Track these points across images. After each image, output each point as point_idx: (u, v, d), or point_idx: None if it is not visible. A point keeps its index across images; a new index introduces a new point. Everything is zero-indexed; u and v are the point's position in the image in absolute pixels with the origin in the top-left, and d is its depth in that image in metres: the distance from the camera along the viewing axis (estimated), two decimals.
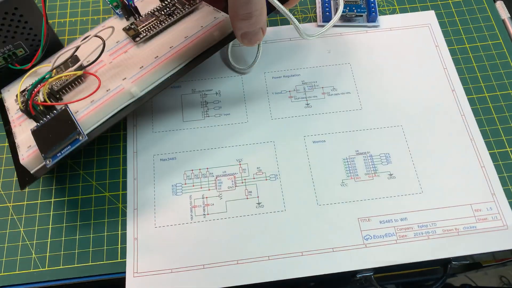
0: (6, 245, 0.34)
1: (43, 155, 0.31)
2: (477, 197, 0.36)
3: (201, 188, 0.36)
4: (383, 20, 0.44)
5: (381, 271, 0.35)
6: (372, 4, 0.43)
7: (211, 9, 0.37)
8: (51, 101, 0.33)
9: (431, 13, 0.44)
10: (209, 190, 0.36)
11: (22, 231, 0.35)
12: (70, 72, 0.34)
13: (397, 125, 0.39)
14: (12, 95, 0.37)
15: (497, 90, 0.40)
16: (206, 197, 0.36)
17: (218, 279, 0.33)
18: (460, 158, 0.37)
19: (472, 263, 0.44)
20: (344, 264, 0.34)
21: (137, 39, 0.36)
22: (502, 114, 0.39)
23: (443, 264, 0.38)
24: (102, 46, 0.34)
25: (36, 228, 0.35)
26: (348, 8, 0.42)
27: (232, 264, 0.34)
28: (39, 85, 0.33)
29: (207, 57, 0.35)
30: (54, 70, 0.34)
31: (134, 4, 0.38)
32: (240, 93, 0.40)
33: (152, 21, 0.37)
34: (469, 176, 0.37)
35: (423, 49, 0.42)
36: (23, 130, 0.34)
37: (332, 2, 0.43)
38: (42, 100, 0.33)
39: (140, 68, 0.34)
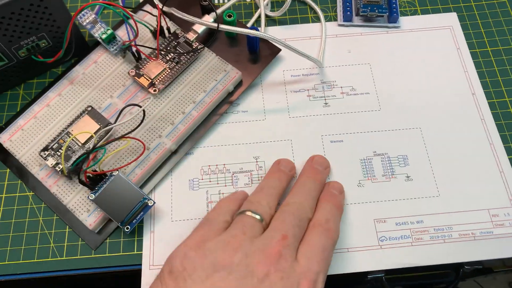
0: (25, 233, 0.35)
1: (120, 224, 0.33)
2: (495, 202, 0.36)
3: (217, 184, 0.37)
4: (404, 21, 0.43)
5: (392, 273, 0.35)
6: (394, 5, 0.42)
7: (215, 57, 0.39)
8: (101, 170, 0.34)
9: (453, 15, 0.44)
10: (225, 186, 0.37)
11: (41, 220, 0.35)
12: (122, 147, 0.35)
13: (415, 127, 0.39)
14: (19, 149, 0.36)
15: None
16: (223, 193, 0.36)
17: None
18: (479, 162, 0.37)
19: (484, 268, 0.44)
20: (358, 264, 0.34)
21: (154, 90, 0.37)
22: None
23: (455, 268, 0.37)
24: (142, 115, 0.34)
25: (54, 218, 0.35)
26: (369, 8, 0.42)
27: None
28: (90, 156, 0.34)
29: (224, 110, 0.39)
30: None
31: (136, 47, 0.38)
32: (259, 91, 0.40)
33: (164, 70, 0.38)
34: (487, 181, 0.36)
35: (444, 51, 0.42)
36: (65, 191, 0.35)
37: (353, 1, 0.43)
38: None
39: (172, 124, 0.37)
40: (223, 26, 0.36)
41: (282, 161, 0.36)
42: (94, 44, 0.41)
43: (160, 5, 0.39)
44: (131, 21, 0.37)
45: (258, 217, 0.30)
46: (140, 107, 0.34)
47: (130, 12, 0.37)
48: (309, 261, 0.28)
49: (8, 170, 0.37)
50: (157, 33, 0.36)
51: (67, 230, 0.35)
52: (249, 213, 0.30)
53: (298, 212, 0.31)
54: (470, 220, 0.35)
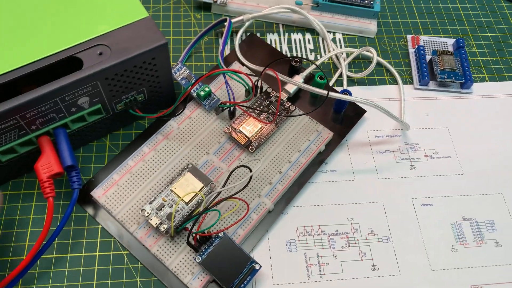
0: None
1: None
2: None
3: (315, 246, 0.37)
4: (475, 87, 0.45)
5: None
6: (467, 72, 0.44)
7: (305, 116, 0.40)
8: (209, 231, 0.33)
9: None
10: (323, 248, 0.36)
11: (138, 282, 0.34)
12: (234, 208, 0.36)
13: (497, 193, 0.40)
14: (115, 206, 0.35)
15: None
16: (321, 256, 0.36)
17: None
18: None
19: None
20: None
21: (251, 148, 0.38)
22: None
23: None
24: (249, 178, 0.34)
25: (152, 279, 0.34)
26: (446, 74, 0.44)
27: None
28: (201, 218, 0.33)
29: (315, 169, 0.39)
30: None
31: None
32: (345, 151, 0.41)
33: (260, 129, 0.38)
34: None
35: None
36: (166, 252, 0.34)
37: (429, 67, 0.45)
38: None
39: (270, 184, 0.37)
40: (333, 94, 0.36)
41: None
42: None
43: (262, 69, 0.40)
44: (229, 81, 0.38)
45: None
46: (251, 170, 0.34)
47: (250, 77, 0.37)
48: None
49: (100, 226, 0.36)
50: (279, 98, 0.37)
51: None
52: None
53: None
54: None
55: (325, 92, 0.36)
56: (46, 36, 0.33)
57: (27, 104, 0.30)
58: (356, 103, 0.41)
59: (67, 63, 0.32)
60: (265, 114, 0.39)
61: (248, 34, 0.46)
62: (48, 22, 0.33)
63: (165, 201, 0.35)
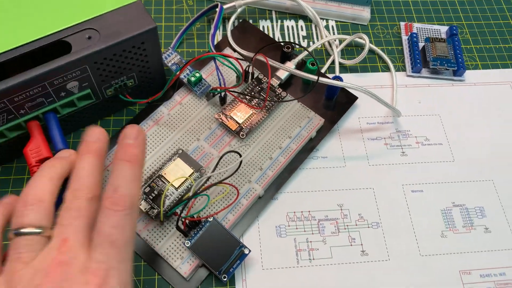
0: None
1: (217, 273, 0.32)
2: None
3: (304, 231, 0.37)
4: (467, 74, 0.45)
5: None
6: (460, 59, 0.44)
7: (297, 103, 0.40)
8: (198, 216, 0.33)
9: None
10: (312, 234, 0.37)
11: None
12: (224, 194, 0.36)
13: (488, 180, 0.40)
14: None
15: None
16: (311, 241, 0.36)
17: None
18: None
19: None
20: None
21: (242, 135, 0.37)
22: None
23: None
24: (239, 163, 0.33)
25: (142, 263, 0.34)
26: (439, 62, 0.44)
27: None
28: (190, 203, 0.33)
29: (306, 155, 0.39)
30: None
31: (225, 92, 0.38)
32: (336, 137, 0.41)
33: (251, 115, 0.38)
34: None
35: (507, 106, 0.44)
36: (156, 237, 0.34)
37: (422, 54, 0.45)
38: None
39: (260, 170, 0.37)
40: (323, 79, 0.36)
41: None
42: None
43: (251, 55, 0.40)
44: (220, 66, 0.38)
45: (33, 230, 0.25)
46: (240, 155, 0.34)
47: (240, 62, 0.37)
48: (97, 253, 0.24)
49: None
50: (268, 83, 0.37)
51: (156, 277, 0.34)
52: (23, 230, 0.24)
53: (78, 195, 0.26)
54: None
55: (316, 77, 0.36)
56: (34, 19, 0.32)
57: (14, 88, 0.30)
58: (347, 89, 0.41)
59: (55, 47, 0.32)
60: (256, 100, 0.39)
61: (240, 20, 0.46)
62: (37, 5, 0.33)
63: (155, 186, 0.35)
